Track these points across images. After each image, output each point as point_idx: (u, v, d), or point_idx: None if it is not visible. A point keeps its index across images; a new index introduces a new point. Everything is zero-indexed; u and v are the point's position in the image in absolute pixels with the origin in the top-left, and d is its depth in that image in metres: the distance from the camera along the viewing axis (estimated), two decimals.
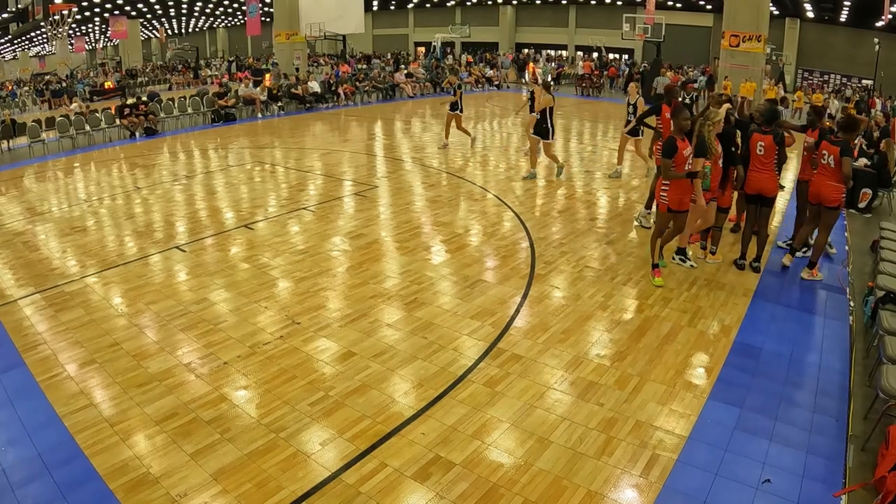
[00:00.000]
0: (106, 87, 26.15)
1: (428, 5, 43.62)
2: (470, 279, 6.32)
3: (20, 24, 31.77)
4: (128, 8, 36.48)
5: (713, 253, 6.82)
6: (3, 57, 50.99)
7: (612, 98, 24.69)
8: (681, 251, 6.66)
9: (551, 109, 10.03)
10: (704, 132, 6.02)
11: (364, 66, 29.73)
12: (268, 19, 33.50)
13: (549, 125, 10.00)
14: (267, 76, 25.45)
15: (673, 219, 6.14)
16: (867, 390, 4.42)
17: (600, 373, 4.63)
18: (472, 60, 32.94)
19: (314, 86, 21.22)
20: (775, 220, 8.24)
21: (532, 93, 11.56)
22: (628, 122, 10.40)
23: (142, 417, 4.09)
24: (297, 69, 26.05)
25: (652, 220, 7.53)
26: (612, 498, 3.40)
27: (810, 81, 31.41)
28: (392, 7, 44.77)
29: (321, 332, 5.24)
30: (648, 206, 7.98)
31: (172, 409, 4.18)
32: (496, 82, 28.18)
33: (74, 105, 16.73)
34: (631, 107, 10.51)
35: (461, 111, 13.03)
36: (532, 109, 11.03)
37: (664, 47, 23.69)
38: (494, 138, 15.36)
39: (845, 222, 8.33)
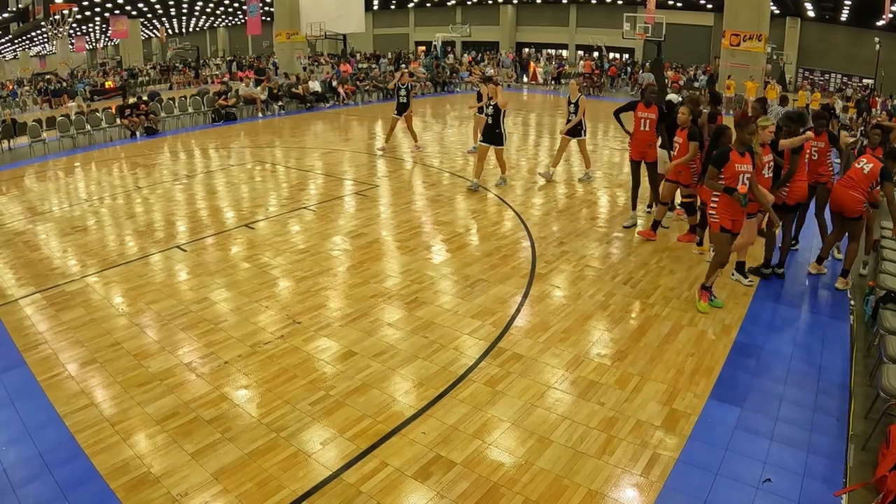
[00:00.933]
0: (106, 86, 26.16)
1: (428, 4, 43.62)
2: (470, 278, 6.32)
3: (21, 24, 31.80)
4: (128, 7, 36.49)
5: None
6: (4, 57, 51.01)
7: (612, 97, 24.68)
8: (739, 266, 6.33)
9: (503, 112, 9.42)
10: (751, 141, 5.51)
11: (365, 66, 29.71)
12: (268, 19, 33.52)
13: (503, 129, 9.38)
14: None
15: (727, 240, 5.60)
16: (868, 390, 4.42)
17: (601, 372, 4.63)
18: (472, 60, 32.93)
19: (315, 85, 21.23)
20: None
21: (480, 93, 10.88)
22: (568, 121, 10.10)
23: (142, 417, 4.09)
24: (305, 68, 26.04)
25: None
26: (613, 497, 3.40)
27: (810, 80, 31.37)
28: (392, 6, 44.76)
29: (322, 332, 5.24)
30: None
31: (173, 408, 4.18)
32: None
33: (73, 104, 16.73)
34: (572, 105, 10.15)
35: (408, 112, 12.42)
36: (481, 111, 10.36)
37: (665, 46, 23.68)
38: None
39: None
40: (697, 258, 6.94)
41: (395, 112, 12.58)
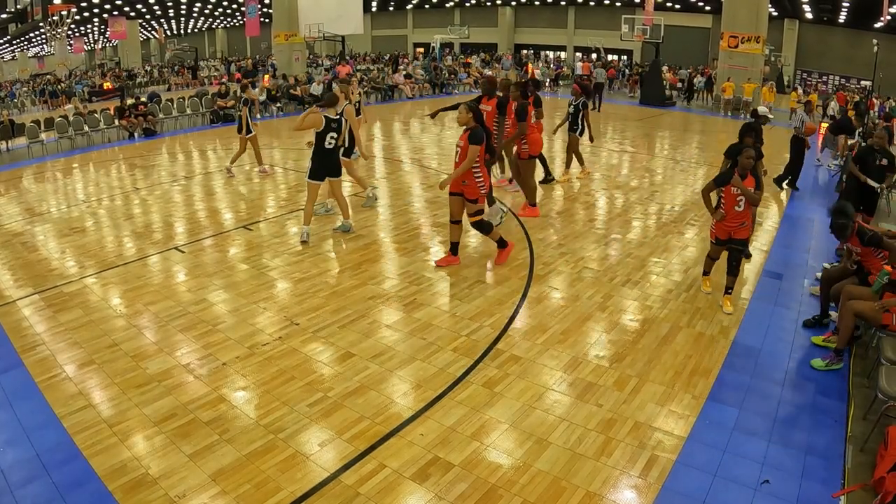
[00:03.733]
0: (105, 87, 26.14)
1: (427, 6, 43.68)
2: (469, 280, 6.32)
3: (19, 25, 31.77)
4: (127, 8, 36.47)
5: None
6: (2, 57, 50.95)
7: (610, 99, 24.71)
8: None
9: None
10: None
11: (364, 67, 29.71)
12: (267, 20, 33.51)
13: (346, 142, 8.13)
14: (266, 77, 25.46)
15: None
16: (866, 391, 4.42)
17: (599, 374, 4.63)
18: (470, 62, 32.97)
19: (314, 87, 21.22)
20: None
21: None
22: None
23: (140, 418, 4.08)
24: (309, 74, 26.01)
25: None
26: (611, 499, 3.40)
27: (809, 82, 31.45)
28: (391, 8, 44.81)
29: (320, 333, 5.24)
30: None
31: (171, 409, 4.18)
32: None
33: (70, 106, 16.72)
34: (572, 107, 10.31)
35: (248, 133, 10.92)
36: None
37: (663, 48, 23.71)
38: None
39: None
40: (695, 260, 6.95)
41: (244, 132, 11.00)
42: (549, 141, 12.85)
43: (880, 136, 7.39)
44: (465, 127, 6.22)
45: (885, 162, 7.15)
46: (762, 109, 9.13)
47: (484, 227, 6.49)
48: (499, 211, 8.05)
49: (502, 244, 6.64)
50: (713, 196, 5.79)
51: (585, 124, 10.27)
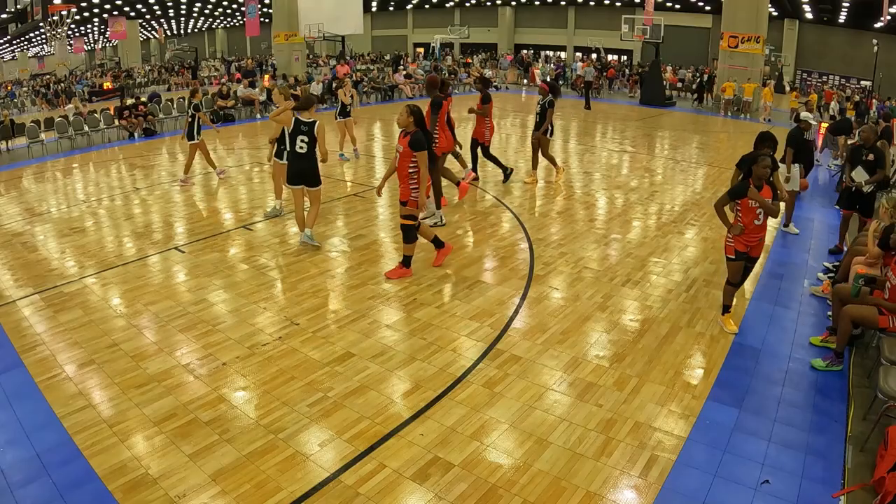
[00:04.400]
0: (105, 87, 26.15)
1: (427, 6, 43.69)
2: (469, 280, 6.32)
3: (19, 25, 31.77)
4: (127, 8, 36.48)
5: None
6: (3, 57, 50.94)
7: (610, 99, 24.72)
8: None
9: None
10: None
11: (364, 67, 29.71)
12: (267, 20, 33.52)
13: (286, 146, 7.48)
14: (266, 77, 25.47)
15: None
16: (866, 391, 4.42)
17: (599, 374, 4.63)
18: (470, 62, 33.00)
19: (314, 87, 21.23)
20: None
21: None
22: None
23: (140, 418, 4.08)
24: (309, 74, 26.00)
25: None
26: (611, 499, 3.40)
27: (809, 82, 31.45)
28: (391, 8, 44.81)
29: (320, 333, 5.24)
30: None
31: (171, 409, 4.18)
32: (495, 83, 28.21)
33: (71, 105, 16.72)
34: (539, 106, 10.01)
35: (192, 140, 10.36)
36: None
37: (663, 48, 23.72)
38: (493, 139, 15.35)
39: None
40: (695, 260, 6.95)
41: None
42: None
43: (866, 133, 7.43)
44: (404, 130, 6.02)
45: (871, 157, 7.18)
46: (806, 115, 8.87)
47: (408, 234, 6.18)
48: (437, 215, 8.00)
49: (406, 263, 6.35)
50: (728, 211, 5.26)
51: (550, 123, 9.89)
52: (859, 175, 7.11)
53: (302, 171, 6.89)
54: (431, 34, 35.26)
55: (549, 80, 11.92)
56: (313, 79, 23.35)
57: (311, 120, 6.85)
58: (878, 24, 24.53)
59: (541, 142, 10.07)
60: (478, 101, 9.71)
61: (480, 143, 9.90)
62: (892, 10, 20.11)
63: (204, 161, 10.98)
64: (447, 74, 27.28)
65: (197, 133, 10.26)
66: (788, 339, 5.24)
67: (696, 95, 23.96)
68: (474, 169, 10.00)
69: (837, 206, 9.42)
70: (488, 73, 29.12)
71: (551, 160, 10.38)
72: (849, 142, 11.75)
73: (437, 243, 6.54)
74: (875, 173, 7.09)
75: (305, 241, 7.19)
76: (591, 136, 16.28)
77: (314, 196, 7.09)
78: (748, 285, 6.32)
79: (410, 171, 6.00)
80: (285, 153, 7.65)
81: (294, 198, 7.21)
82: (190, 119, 10.29)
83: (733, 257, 5.23)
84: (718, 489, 3.48)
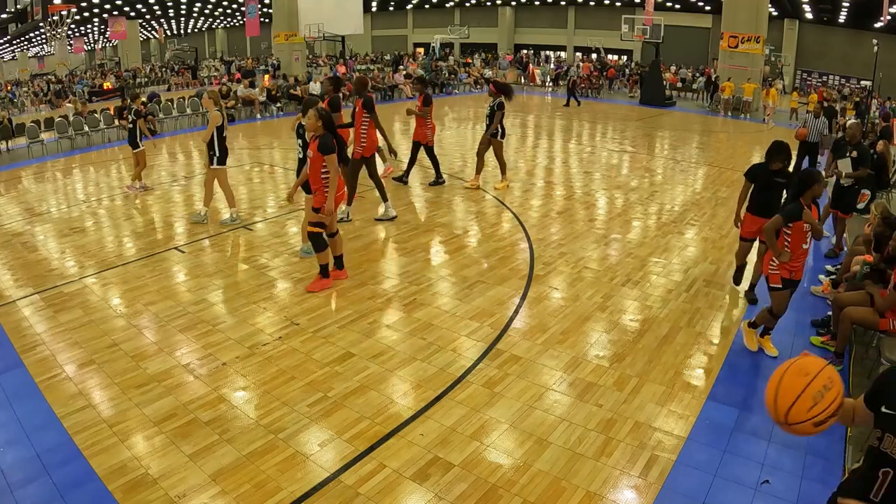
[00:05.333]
0: (105, 87, 26.15)
1: (427, 6, 43.68)
2: (469, 280, 6.32)
3: (19, 25, 31.77)
4: (127, 8, 36.48)
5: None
6: (3, 57, 50.94)
7: (610, 99, 24.72)
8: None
9: (219, 129, 7.81)
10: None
11: (363, 67, 29.71)
12: (267, 20, 33.52)
13: (217, 150, 7.76)
14: (266, 77, 25.46)
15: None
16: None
17: (599, 374, 4.63)
18: (470, 62, 32.99)
19: (313, 87, 21.24)
20: None
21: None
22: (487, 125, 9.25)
23: (140, 418, 4.08)
24: (309, 74, 26.00)
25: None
26: (611, 499, 3.40)
27: (809, 82, 31.45)
28: (391, 8, 44.80)
29: (320, 333, 5.24)
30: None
31: (171, 409, 4.18)
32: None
33: (70, 105, 16.72)
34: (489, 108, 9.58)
35: (136, 148, 10.04)
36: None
37: (663, 48, 23.72)
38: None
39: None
40: (695, 260, 6.95)
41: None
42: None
43: (852, 130, 7.55)
44: (314, 134, 5.73)
45: (854, 154, 7.26)
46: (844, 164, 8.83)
47: (318, 243, 5.88)
48: (345, 211, 8.04)
49: (324, 272, 6.05)
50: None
51: (500, 125, 9.44)
52: (844, 165, 7.22)
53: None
54: (431, 34, 35.22)
55: (498, 81, 11.64)
56: (313, 78, 23.34)
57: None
58: (878, 24, 24.53)
59: (492, 144, 9.59)
60: (418, 102, 9.61)
61: (423, 144, 9.76)
62: (892, 10, 20.11)
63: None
64: (447, 74, 27.29)
65: (140, 140, 10.00)
66: (789, 339, 5.24)
67: (711, 95, 23.81)
68: (409, 171, 10.17)
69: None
70: (489, 72, 29.11)
71: (502, 166, 9.85)
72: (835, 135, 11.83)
73: (324, 272, 6.08)
74: (857, 170, 7.21)
75: (305, 255, 6.92)
76: (591, 136, 16.29)
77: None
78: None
79: (323, 176, 5.69)
80: (215, 158, 7.76)
81: (306, 204, 6.81)
82: (130, 126, 10.01)
83: (780, 286, 4.72)
84: (718, 489, 3.48)
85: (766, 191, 5.71)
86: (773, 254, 4.67)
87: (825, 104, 14.96)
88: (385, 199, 8.26)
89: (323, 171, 5.68)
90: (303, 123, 6.57)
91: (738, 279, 6.21)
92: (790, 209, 4.57)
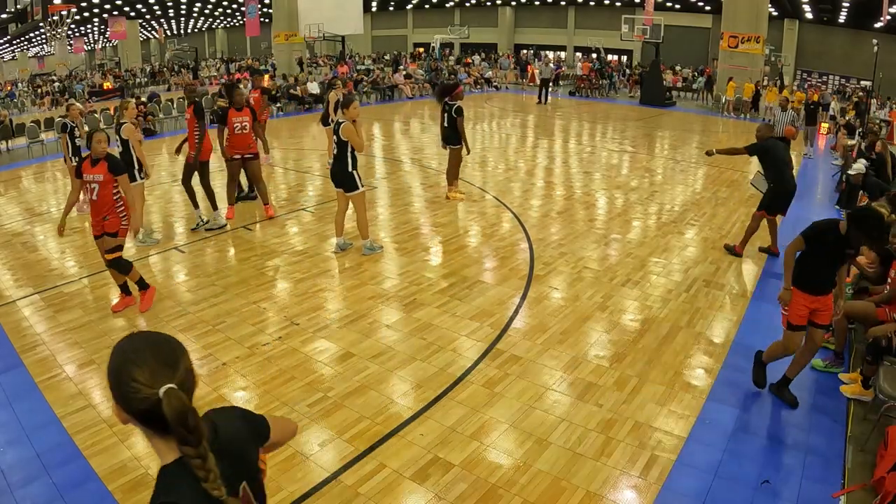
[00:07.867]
0: (105, 87, 26.15)
1: (427, 6, 43.67)
2: (469, 280, 6.32)
3: (19, 25, 31.76)
4: (127, 9, 36.47)
5: None
6: (2, 57, 50.95)
7: (610, 99, 24.72)
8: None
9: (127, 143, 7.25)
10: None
11: (364, 67, 29.70)
12: (267, 20, 33.52)
13: (136, 164, 7.22)
14: (266, 76, 25.45)
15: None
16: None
17: (599, 374, 4.63)
18: (470, 62, 32.98)
19: (313, 87, 21.25)
20: None
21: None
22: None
23: None
24: (310, 75, 25.99)
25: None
26: (612, 499, 3.40)
27: (809, 82, 31.44)
28: (391, 8, 44.80)
29: (320, 333, 5.24)
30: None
31: None
32: (495, 83, 28.27)
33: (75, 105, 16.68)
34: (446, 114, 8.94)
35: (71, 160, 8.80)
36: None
37: (663, 48, 23.71)
38: (493, 139, 15.39)
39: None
40: (695, 260, 6.95)
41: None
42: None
43: (871, 137, 7.56)
44: (97, 158, 5.42)
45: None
46: (858, 167, 8.87)
47: (122, 266, 5.60)
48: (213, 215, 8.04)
49: (142, 285, 5.72)
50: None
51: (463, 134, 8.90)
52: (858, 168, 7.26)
53: (334, 173, 6.84)
54: (431, 34, 35.22)
55: (445, 80, 10.83)
56: (314, 78, 23.34)
57: (340, 120, 6.79)
58: (878, 24, 24.52)
59: (453, 155, 9.06)
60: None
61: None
62: (892, 10, 20.11)
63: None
64: (447, 75, 27.28)
65: (73, 155, 8.66)
66: None
67: (709, 93, 23.82)
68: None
69: (837, 207, 9.45)
70: (489, 72, 29.12)
71: (453, 176, 9.27)
72: (849, 142, 11.78)
73: (142, 284, 5.72)
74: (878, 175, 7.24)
75: (338, 250, 7.06)
76: (591, 136, 16.28)
77: (355, 202, 6.78)
78: (749, 286, 6.32)
79: (115, 198, 5.46)
80: (136, 173, 7.16)
81: (338, 200, 7.05)
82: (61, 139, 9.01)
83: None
84: (718, 489, 3.48)
85: (828, 266, 4.11)
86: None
87: (810, 105, 15.03)
88: (215, 208, 8.05)
89: (115, 193, 5.49)
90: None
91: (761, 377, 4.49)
92: None
